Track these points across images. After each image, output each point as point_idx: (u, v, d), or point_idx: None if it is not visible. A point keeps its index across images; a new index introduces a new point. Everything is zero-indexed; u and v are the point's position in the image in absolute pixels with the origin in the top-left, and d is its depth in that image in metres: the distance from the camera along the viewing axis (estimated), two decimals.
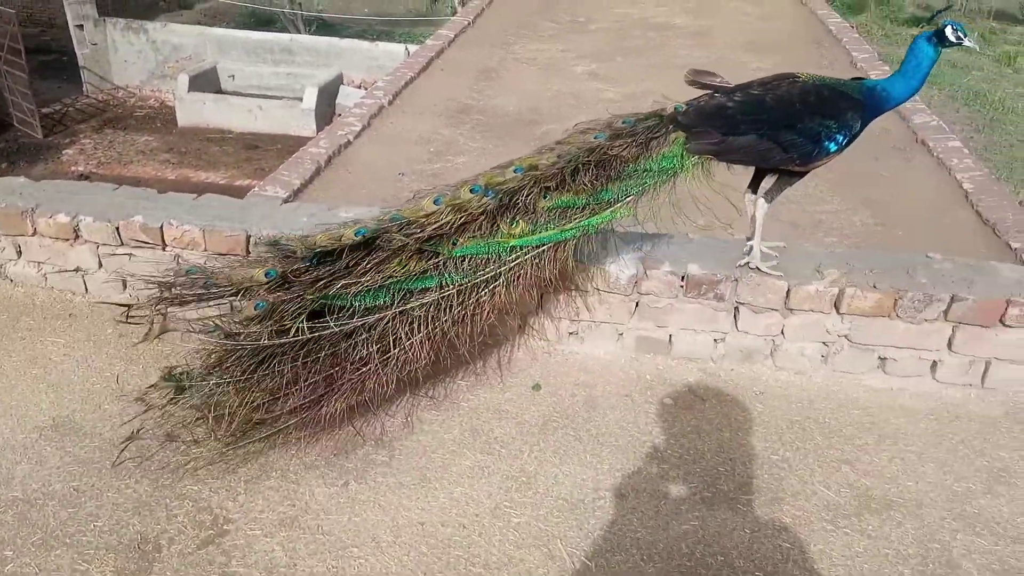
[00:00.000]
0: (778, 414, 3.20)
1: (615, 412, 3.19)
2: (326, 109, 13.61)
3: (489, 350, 3.44)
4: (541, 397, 3.26)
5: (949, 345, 3.25)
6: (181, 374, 2.90)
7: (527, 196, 2.99)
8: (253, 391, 2.81)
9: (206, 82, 14.47)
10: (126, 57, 15.34)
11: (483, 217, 2.97)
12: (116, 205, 3.58)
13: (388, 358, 2.92)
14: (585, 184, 3.00)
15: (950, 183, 6.83)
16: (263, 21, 17.83)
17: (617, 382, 3.35)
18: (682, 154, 3.06)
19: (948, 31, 2.96)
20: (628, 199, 3.05)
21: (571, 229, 3.03)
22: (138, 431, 2.90)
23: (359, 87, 13.76)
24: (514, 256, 3.00)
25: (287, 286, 2.82)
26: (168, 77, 15.19)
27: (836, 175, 6.70)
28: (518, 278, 3.03)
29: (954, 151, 7.02)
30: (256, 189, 7.02)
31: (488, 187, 2.98)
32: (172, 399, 2.87)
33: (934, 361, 3.30)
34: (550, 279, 3.13)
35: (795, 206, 6.27)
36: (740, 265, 3.31)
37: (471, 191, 2.97)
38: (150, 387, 2.96)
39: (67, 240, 3.55)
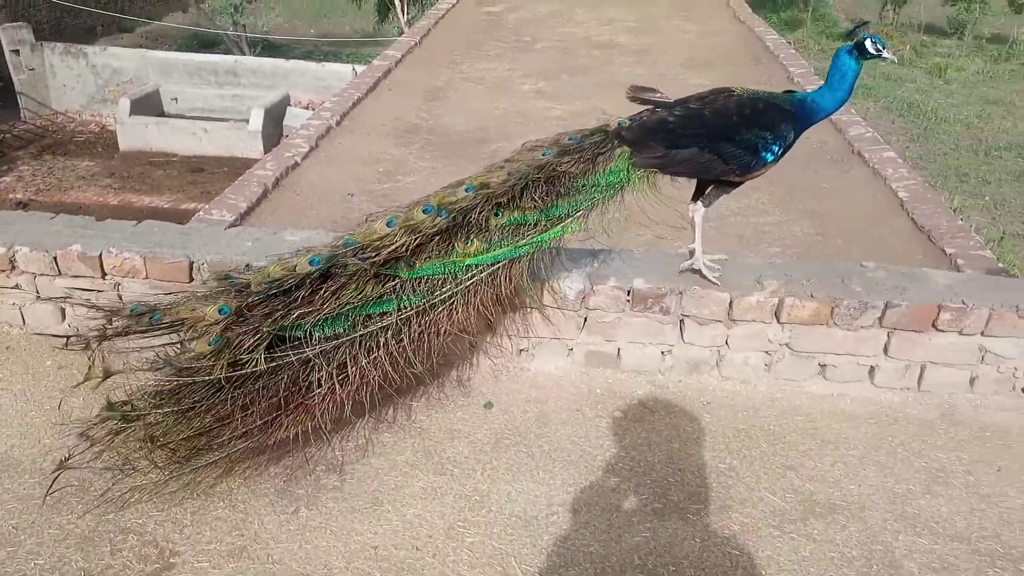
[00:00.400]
0: (725, 423, 3.27)
1: (567, 427, 3.22)
2: (273, 131, 13.50)
3: (442, 370, 3.45)
4: (493, 415, 3.27)
5: (885, 351, 3.35)
6: (125, 404, 2.82)
7: (479, 214, 3.02)
8: (202, 418, 2.77)
9: (148, 105, 14.24)
10: (65, 82, 15.03)
11: (437, 237, 3.00)
12: (53, 233, 3.50)
13: (344, 382, 2.91)
14: (536, 201, 3.05)
15: (886, 192, 7.04)
16: (206, 43, 17.65)
17: (568, 397, 3.39)
18: (628, 168, 3.13)
19: (868, 44, 3.08)
20: (578, 214, 3.11)
21: (524, 245, 3.08)
22: (67, 459, 2.77)
23: (306, 108, 13.68)
24: (470, 275, 3.03)
25: (242, 320, 2.78)
26: (109, 101, 14.93)
27: (778, 188, 6.87)
28: (475, 296, 3.06)
29: (889, 161, 7.25)
30: (201, 213, 6.91)
31: (440, 207, 2.99)
32: (116, 431, 2.80)
33: (872, 367, 3.40)
34: (506, 296, 3.17)
35: (739, 218, 6.41)
36: (683, 270, 3.39)
37: (424, 211, 2.98)
38: (93, 419, 2.88)
39: (3, 271, 3.46)
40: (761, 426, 3.25)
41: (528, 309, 3.37)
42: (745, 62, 10.12)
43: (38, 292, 3.51)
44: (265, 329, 2.76)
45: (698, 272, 3.38)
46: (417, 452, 3.07)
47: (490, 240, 3.03)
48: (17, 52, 14.64)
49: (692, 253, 3.49)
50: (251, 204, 7.02)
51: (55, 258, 3.40)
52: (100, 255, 3.38)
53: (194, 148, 13.91)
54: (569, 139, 3.17)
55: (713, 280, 3.35)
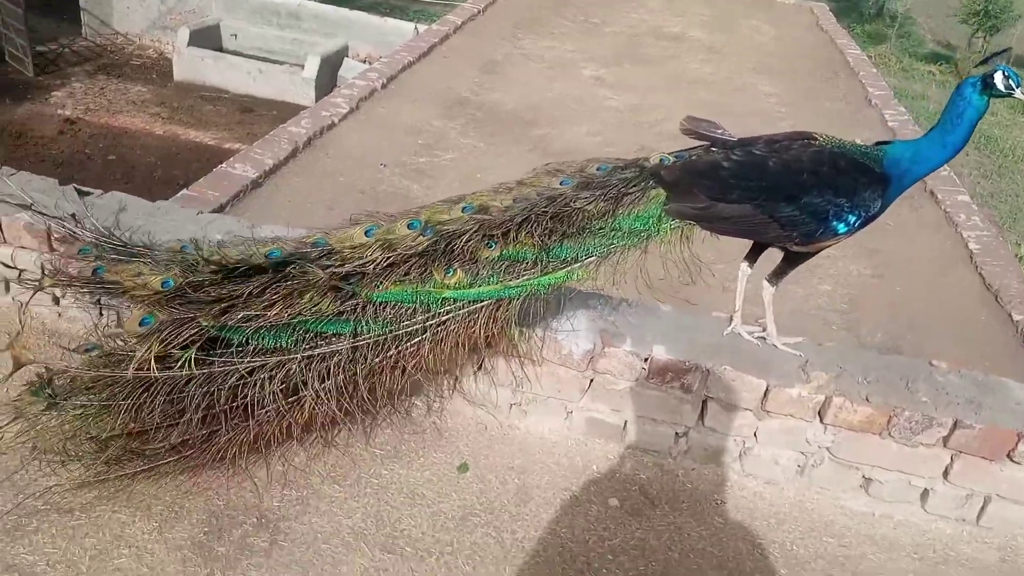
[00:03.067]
0: (739, 533, 2.74)
1: (549, 510, 2.72)
2: (327, 80, 13.08)
3: (416, 414, 2.97)
4: (466, 482, 2.79)
5: (945, 474, 2.78)
6: (47, 386, 2.47)
7: (467, 242, 2.55)
8: (127, 415, 2.44)
9: (208, 38, 13.93)
10: (129, 3, 14.80)
11: (414, 259, 2.54)
12: (8, 196, 3.08)
13: (289, 406, 2.54)
14: (537, 238, 2.54)
15: (955, 240, 6.40)
16: None
17: (559, 471, 2.88)
18: (660, 215, 2.59)
19: (998, 78, 2.43)
20: (588, 260, 2.60)
21: (516, 287, 2.58)
22: None
23: (364, 61, 13.23)
24: (446, 309, 2.57)
25: (181, 303, 2.43)
26: (169, 29, 14.67)
27: None
28: (448, 336, 2.60)
29: (962, 206, 6.57)
30: (224, 165, 6.54)
31: (428, 224, 2.55)
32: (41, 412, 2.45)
33: (925, 489, 2.83)
34: (487, 341, 2.70)
35: None
36: (751, 334, 2.89)
37: (408, 226, 2.56)
38: (16, 398, 2.52)
39: None
40: (782, 544, 2.71)
41: (523, 360, 2.85)
42: (822, 75, 9.35)
43: None
44: (205, 323, 2.40)
45: (762, 339, 2.89)
46: (368, 517, 2.60)
47: (476, 274, 2.56)
48: None
49: (732, 319, 2.95)
50: (278, 162, 6.62)
51: (0, 228, 2.99)
52: (48, 227, 2.95)
53: (247, 87, 13.59)
54: (597, 169, 2.66)
55: (790, 350, 2.86)
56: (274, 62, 13.66)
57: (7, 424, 2.47)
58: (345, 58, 13.44)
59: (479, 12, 10.15)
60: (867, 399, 2.70)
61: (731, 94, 8.45)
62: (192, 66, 13.62)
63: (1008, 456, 2.70)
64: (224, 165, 6.47)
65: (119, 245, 2.60)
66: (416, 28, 12.84)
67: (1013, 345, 5.36)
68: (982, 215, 6.90)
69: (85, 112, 12.66)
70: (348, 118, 7.58)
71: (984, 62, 2.60)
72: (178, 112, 13.09)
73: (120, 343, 2.51)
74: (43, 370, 2.48)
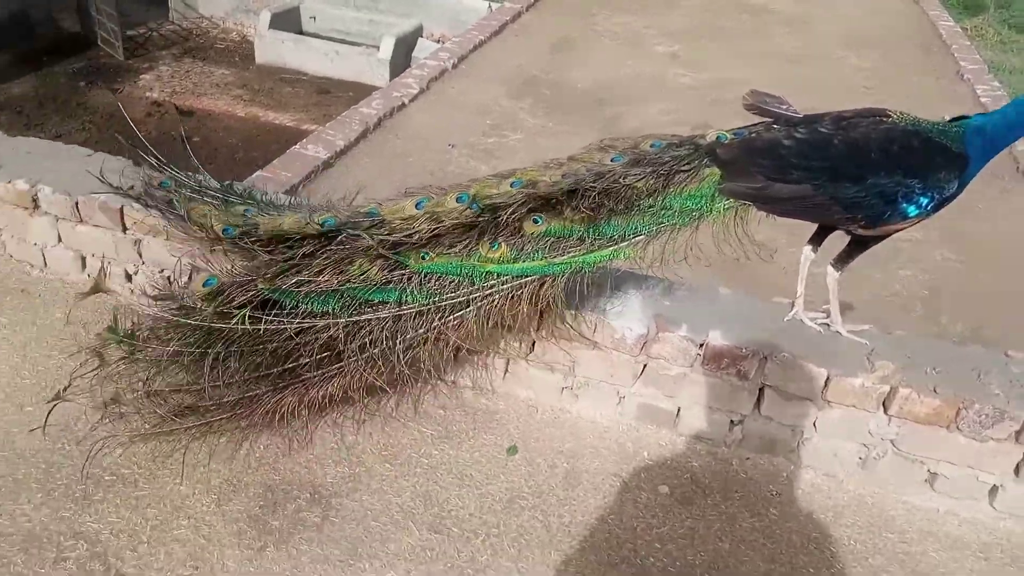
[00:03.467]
0: (794, 526, 2.66)
1: (597, 496, 2.70)
2: (402, 61, 13.17)
3: (467, 396, 2.99)
4: (515, 464, 2.79)
5: (1016, 471, 2.63)
6: (127, 332, 2.62)
7: (511, 215, 2.54)
8: (189, 370, 2.58)
9: (288, 21, 14.20)
10: None
11: (461, 231, 2.56)
12: (82, 174, 3.21)
13: (334, 370, 2.62)
14: (584, 212, 2.50)
15: None
16: None
17: (609, 456, 2.85)
18: (713, 194, 2.52)
19: None
20: (637, 239, 2.55)
21: (561, 264, 2.56)
22: (65, 389, 2.70)
23: (438, 41, 13.26)
24: (490, 283, 2.57)
25: (240, 247, 2.62)
26: (252, 12, 15.01)
27: None
28: (492, 310, 2.61)
29: None
30: (297, 147, 6.69)
31: (475, 198, 2.55)
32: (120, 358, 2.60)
33: (995, 485, 2.69)
34: (537, 321, 2.69)
35: None
36: (813, 321, 2.81)
37: (457, 199, 2.56)
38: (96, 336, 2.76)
39: (26, 209, 3.21)
40: (840, 539, 2.62)
41: (575, 342, 2.83)
42: (913, 48, 8.89)
43: (59, 236, 3.25)
44: (261, 285, 2.51)
45: (825, 326, 2.80)
46: (417, 496, 2.63)
47: (521, 248, 2.55)
48: None
49: (793, 305, 2.86)
50: (348, 143, 6.73)
51: (76, 204, 3.12)
52: (122, 208, 3.07)
53: (324, 69, 13.82)
54: (651, 145, 2.59)
55: (856, 337, 2.77)
56: (352, 43, 13.84)
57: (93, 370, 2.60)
58: (420, 38, 13.50)
59: None
60: (935, 390, 2.57)
61: (817, 68, 8.12)
62: (273, 49, 13.91)
63: None
64: (297, 147, 6.62)
65: (194, 187, 2.78)
66: (490, 7, 12.80)
67: None
68: None
69: (171, 95, 13.10)
70: (418, 99, 7.63)
71: None
72: (259, 95, 13.41)
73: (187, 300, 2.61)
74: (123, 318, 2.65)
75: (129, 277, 3.26)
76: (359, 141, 6.84)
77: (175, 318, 2.53)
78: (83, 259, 3.30)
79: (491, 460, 2.79)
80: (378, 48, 13.29)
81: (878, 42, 8.91)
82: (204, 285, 2.56)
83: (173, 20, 15.63)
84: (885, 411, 2.66)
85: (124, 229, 3.13)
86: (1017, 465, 2.63)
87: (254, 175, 6.10)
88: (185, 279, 2.86)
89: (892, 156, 2.44)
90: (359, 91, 12.69)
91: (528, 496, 2.67)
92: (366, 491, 2.64)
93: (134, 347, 2.57)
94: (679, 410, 2.89)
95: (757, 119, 2.67)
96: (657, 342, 2.78)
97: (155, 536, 2.43)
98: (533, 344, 2.90)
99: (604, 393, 2.94)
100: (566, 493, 2.70)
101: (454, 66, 8.17)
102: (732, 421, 2.85)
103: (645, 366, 2.85)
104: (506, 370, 2.99)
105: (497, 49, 8.68)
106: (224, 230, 2.63)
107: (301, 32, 14.40)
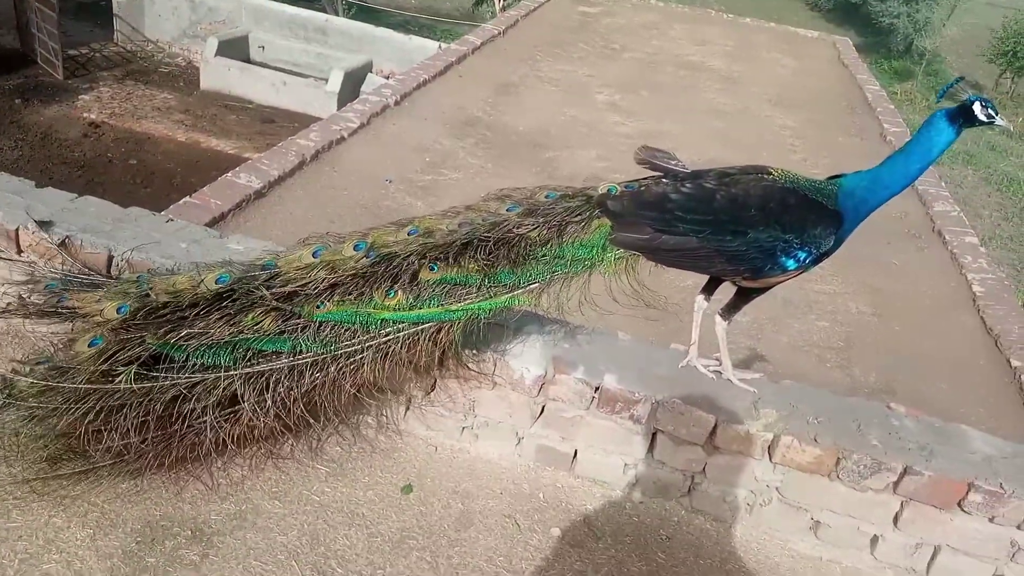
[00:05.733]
0: (681, 571, 2.69)
1: (489, 537, 2.70)
2: (350, 95, 13.25)
3: (366, 433, 2.97)
4: (408, 503, 2.77)
5: (895, 521, 2.72)
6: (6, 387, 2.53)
7: (407, 264, 2.56)
8: (73, 420, 2.47)
9: (236, 49, 14.19)
10: (161, 11, 15.13)
11: (356, 280, 2.57)
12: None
13: (227, 418, 2.58)
14: (479, 262, 2.55)
15: (960, 282, 6.31)
16: None
17: (504, 497, 2.86)
18: (604, 245, 2.59)
19: (977, 108, 2.41)
20: (531, 286, 2.60)
21: (458, 311, 2.58)
22: None
23: (387, 77, 13.38)
24: (386, 331, 2.57)
25: (131, 326, 2.48)
26: (199, 38, 14.97)
27: (842, 254, 6.19)
28: (389, 356, 2.61)
29: (970, 248, 6.48)
30: (229, 175, 6.62)
31: (372, 246, 2.58)
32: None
33: (875, 535, 2.76)
34: (437, 362, 2.71)
35: (793, 282, 5.78)
36: (706, 368, 2.86)
37: (354, 247, 2.59)
38: None
39: None
40: None
41: (475, 382, 2.84)
42: (839, 109, 9.28)
43: None
44: (149, 340, 2.45)
45: (717, 373, 2.87)
46: (304, 535, 2.59)
47: (417, 296, 2.56)
48: None
49: (688, 352, 2.93)
50: (283, 173, 6.71)
51: None
52: (17, 229, 3.01)
53: (270, 99, 13.81)
54: (546, 196, 2.67)
55: (744, 385, 2.83)
56: (300, 75, 13.87)
57: None
58: (369, 74, 13.62)
59: (500, 33, 10.22)
60: (815, 439, 2.65)
61: (745, 125, 8.41)
62: (218, 75, 13.86)
63: (959, 506, 2.63)
64: (229, 175, 6.55)
65: (84, 277, 2.70)
66: (440, 47, 12.98)
67: (1010, 391, 5.25)
68: (989, 257, 6.79)
69: (110, 116, 12.91)
70: (358, 133, 7.65)
71: (944, 93, 2.57)
72: (201, 120, 13.30)
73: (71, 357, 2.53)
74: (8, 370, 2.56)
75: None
76: (294, 172, 6.82)
77: (49, 383, 2.44)
78: None
79: (384, 499, 2.77)
80: (326, 80, 13.34)
81: (805, 103, 9.27)
82: (90, 346, 2.46)
83: (118, 42, 15.48)
84: (770, 458, 2.72)
85: (19, 251, 3.06)
86: (895, 515, 2.71)
87: (181, 201, 6.02)
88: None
89: (769, 212, 2.54)
90: (305, 122, 12.67)
91: (419, 536, 2.66)
92: (251, 529, 2.59)
93: (8, 400, 2.48)
94: (576, 452, 2.92)
95: (648, 173, 2.76)
96: (555, 384, 2.81)
97: (23, 570, 2.35)
98: (434, 383, 2.91)
99: (503, 434, 2.96)
100: (458, 534, 2.69)
101: (396, 103, 8.23)
102: (626, 464, 2.89)
103: (544, 407, 2.88)
104: (407, 408, 2.98)
105: (440, 89, 8.78)
106: (119, 308, 2.50)
107: (249, 60, 14.38)
